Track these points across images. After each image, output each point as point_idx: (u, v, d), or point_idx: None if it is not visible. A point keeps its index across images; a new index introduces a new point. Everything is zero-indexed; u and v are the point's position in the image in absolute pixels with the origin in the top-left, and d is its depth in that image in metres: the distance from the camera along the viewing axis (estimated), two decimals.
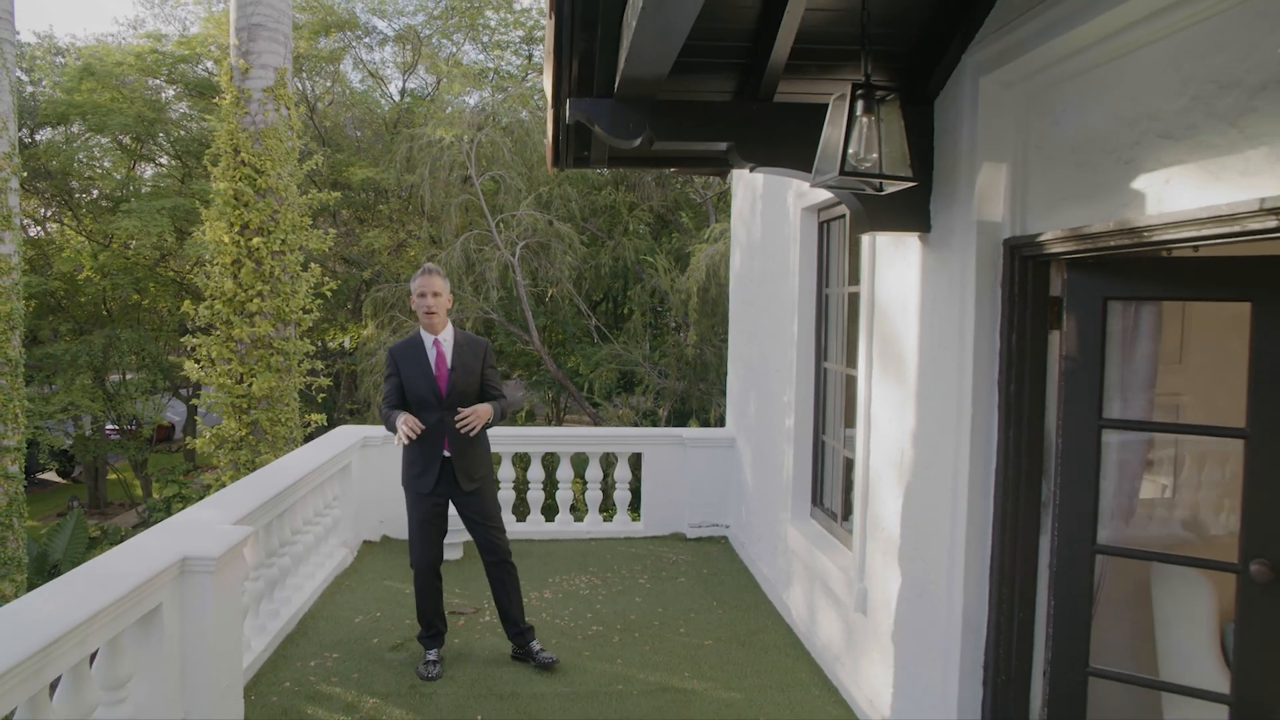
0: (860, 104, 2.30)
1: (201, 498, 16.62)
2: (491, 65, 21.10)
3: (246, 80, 8.93)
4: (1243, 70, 2.08)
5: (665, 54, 2.72)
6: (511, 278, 15.62)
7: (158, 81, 19.11)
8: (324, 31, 19.35)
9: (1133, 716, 3.41)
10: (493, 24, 21.08)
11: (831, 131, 2.38)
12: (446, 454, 4.41)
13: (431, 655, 4.58)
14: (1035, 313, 3.05)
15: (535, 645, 4.65)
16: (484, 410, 4.39)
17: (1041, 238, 2.88)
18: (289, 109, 9.13)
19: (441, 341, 4.48)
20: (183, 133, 18.73)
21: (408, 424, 4.21)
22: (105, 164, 19.55)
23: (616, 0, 2.90)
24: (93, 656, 3.07)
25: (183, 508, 17.29)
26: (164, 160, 20.49)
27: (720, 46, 3.21)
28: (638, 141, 3.32)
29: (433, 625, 4.62)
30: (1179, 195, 2.30)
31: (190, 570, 3.53)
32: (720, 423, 13.09)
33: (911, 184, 2.50)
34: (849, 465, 4.62)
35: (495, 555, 4.57)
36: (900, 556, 3.73)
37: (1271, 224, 1.97)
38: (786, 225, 5.57)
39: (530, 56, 21.61)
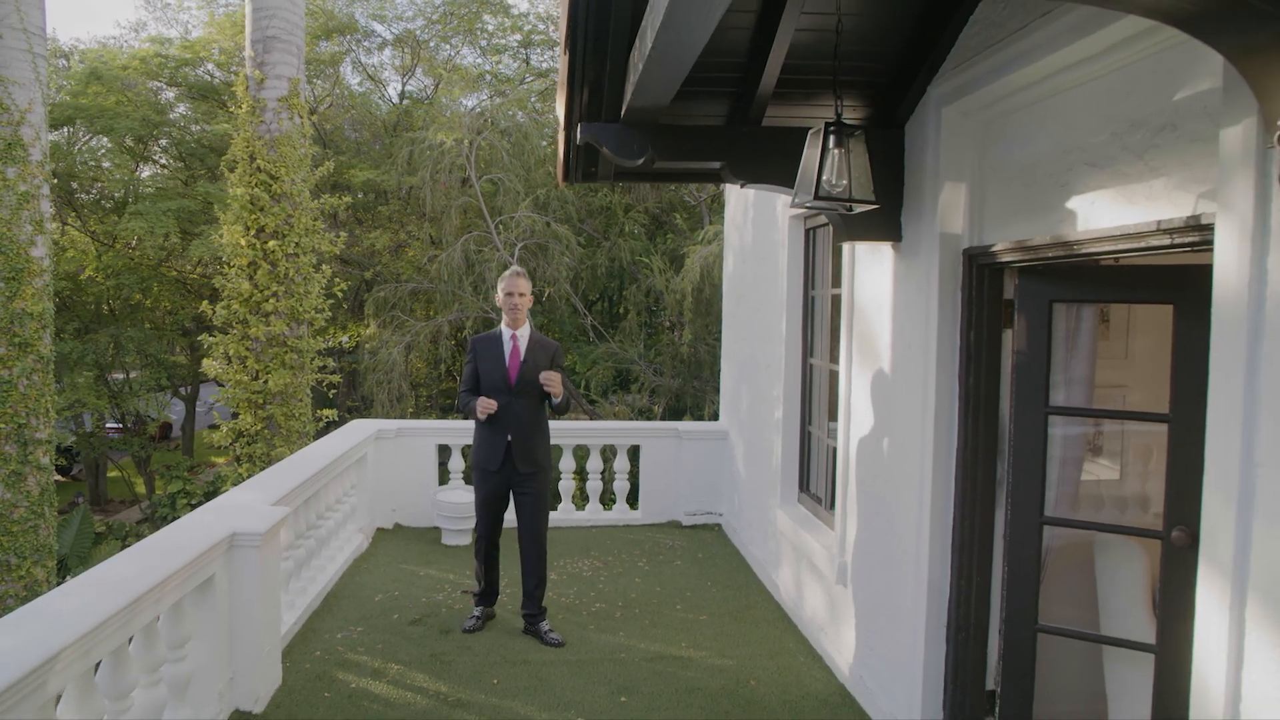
0: (832, 139, 2.72)
1: (205, 493, 17.02)
2: (489, 69, 21.46)
3: (262, 90, 9.33)
4: (1148, 113, 2.50)
5: (668, 90, 3.13)
6: None
7: (158, 84, 19.42)
8: (325, 35, 19.70)
9: (1080, 675, 3.84)
10: (490, 28, 21.45)
11: (808, 160, 2.80)
12: (509, 438, 4.90)
13: (477, 612, 5.19)
14: (990, 314, 3.48)
15: (545, 625, 5.07)
16: (557, 376, 4.83)
17: (994, 248, 3.30)
18: (302, 117, 9.55)
19: (519, 337, 4.98)
20: (187, 136, 19.06)
21: (484, 405, 4.79)
22: (105, 165, 19.83)
23: (623, 39, 3.32)
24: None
25: (187, 503, 17.54)
26: (163, 160, 20.80)
27: (715, 77, 3.62)
28: (641, 161, 3.72)
29: (487, 583, 5.19)
30: (1101, 215, 2.72)
31: (238, 545, 3.93)
32: (714, 419, 13.52)
33: (874, 206, 2.92)
34: (833, 453, 5.03)
35: (534, 541, 5.02)
36: (875, 531, 4.15)
37: (1166, 241, 2.40)
38: (776, 232, 5.99)
39: (527, 60, 21.98)
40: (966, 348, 3.50)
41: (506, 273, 5.01)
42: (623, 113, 3.55)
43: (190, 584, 3.57)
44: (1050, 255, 2.98)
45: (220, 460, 25.18)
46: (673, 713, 4.20)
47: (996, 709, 3.58)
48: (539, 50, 21.68)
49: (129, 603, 2.95)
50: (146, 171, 20.98)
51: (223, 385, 9.79)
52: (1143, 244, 2.51)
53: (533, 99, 19.76)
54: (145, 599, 3.08)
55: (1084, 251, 2.79)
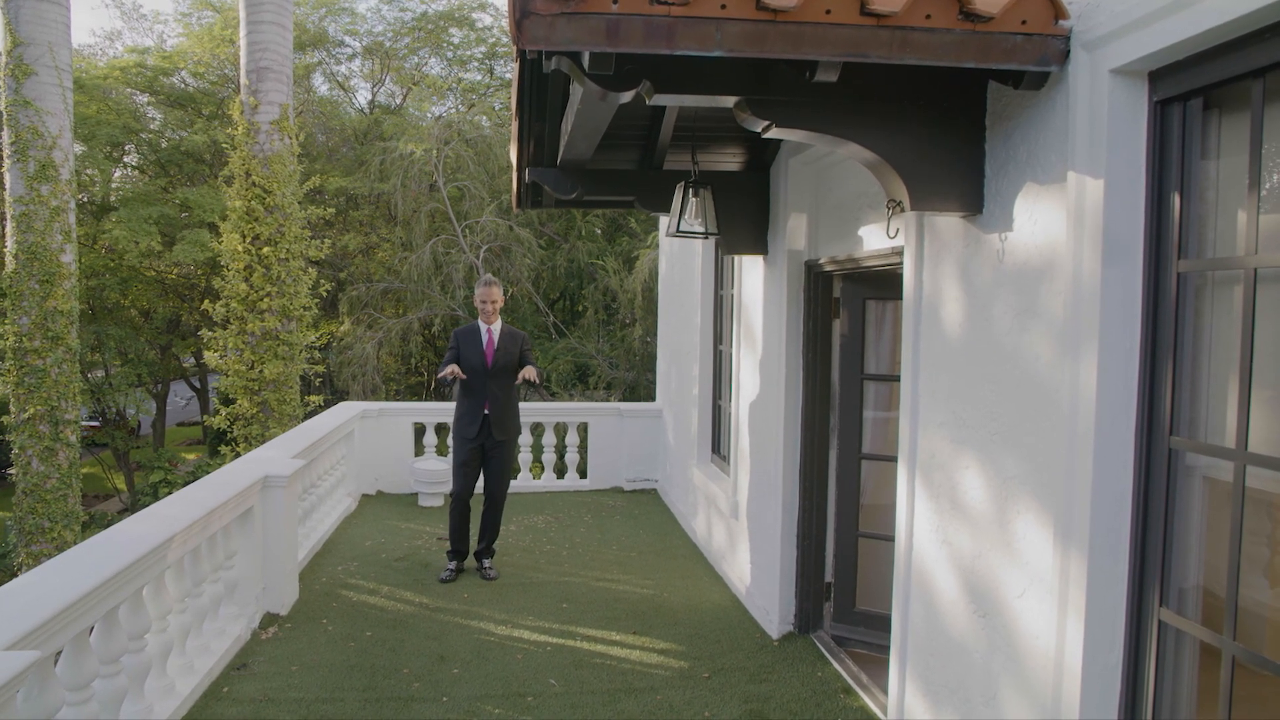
0: (691, 191, 4.05)
1: (185, 481, 18.00)
2: (456, 79, 22.60)
3: (256, 115, 10.47)
4: None
5: (588, 149, 4.40)
6: (476, 278, 17.21)
7: (132, 91, 20.30)
8: (299, 48, 20.69)
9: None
10: (456, 41, 22.60)
11: (675, 204, 4.12)
12: (486, 412, 6.04)
13: (451, 565, 6.15)
14: (823, 308, 4.83)
15: (487, 563, 6.27)
16: (530, 370, 5.94)
17: (821, 261, 4.65)
18: (291, 138, 10.72)
19: (492, 331, 6.10)
20: (163, 142, 19.96)
21: (455, 369, 5.81)
22: (87, 170, 20.66)
23: (557, 109, 4.60)
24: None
25: (169, 491, 18.56)
26: (141, 167, 21.64)
27: (627, 134, 4.92)
28: (574, 196, 5.01)
29: (458, 543, 6.19)
30: (872, 240, 4.07)
31: (269, 485, 5.16)
32: None
33: (717, 235, 4.25)
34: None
35: (494, 498, 6.21)
36: (751, 471, 5.50)
37: (897, 260, 3.74)
38: (693, 241, 7.32)
39: (491, 70, 23.16)
40: (807, 332, 4.85)
41: (480, 281, 6.14)
42: (559, 161, 4.83)
43: (236, 511, 4.80)
44: (849, 267, 4.33)
45: (191, 455, 26.09)
46: (601, 613, 5.50)
47: (832, 595, 4.95)
48: (503, 62, 22.84)
49: (205, 513, 4.18)
50: (118, 173, 21.80)
51: (203, 381, 10.86)
52: (885, 262, 3.86)
53: (499, 106, 20.95)
54: (215, 513, 4.32)
55: (863, 265, 4.15)
